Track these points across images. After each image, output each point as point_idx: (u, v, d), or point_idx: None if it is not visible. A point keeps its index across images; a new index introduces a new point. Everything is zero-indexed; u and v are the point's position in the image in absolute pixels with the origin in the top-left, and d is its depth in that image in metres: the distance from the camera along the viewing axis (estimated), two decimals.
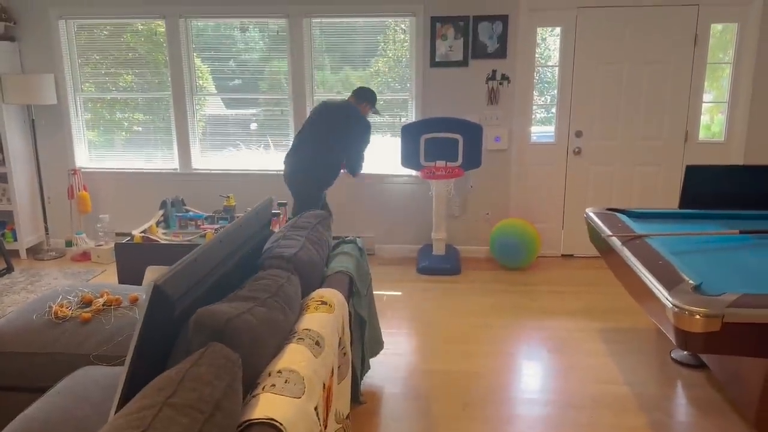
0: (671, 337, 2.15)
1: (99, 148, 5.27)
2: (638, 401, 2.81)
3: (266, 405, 1.46)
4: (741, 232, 2.86)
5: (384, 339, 3.35)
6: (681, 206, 3.29)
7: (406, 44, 4.82)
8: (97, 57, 5.08)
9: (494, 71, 4.68)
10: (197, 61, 5.01)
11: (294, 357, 1.69)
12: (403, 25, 4.80)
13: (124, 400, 1.55)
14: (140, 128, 5.18)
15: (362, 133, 4.28)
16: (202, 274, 1.78)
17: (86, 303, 2.72)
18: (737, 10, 4.50)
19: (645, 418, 2.67)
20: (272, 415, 1.42)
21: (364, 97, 4.30)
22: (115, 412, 1.53)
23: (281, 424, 1.41)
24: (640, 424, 2.63)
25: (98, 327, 2.54)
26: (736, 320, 2.00)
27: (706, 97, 4.70)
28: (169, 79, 4.99)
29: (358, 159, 4.32)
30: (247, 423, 1.41)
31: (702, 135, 4.76)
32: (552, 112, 4.84)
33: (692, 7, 4.51)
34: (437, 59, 4.69)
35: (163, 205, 4.32)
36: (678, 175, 4.79)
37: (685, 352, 3.19)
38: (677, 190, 4.81)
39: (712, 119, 4.85)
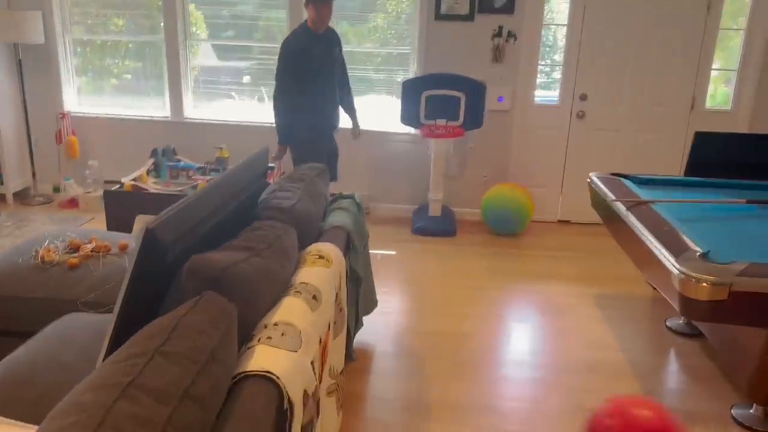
0: (675, 305, 2.11)
1: (89, 93, 5.09)
2: (632, 368, 2.80)
3: (262, 357, 1.40)
4: (748, 202, 2.80)
5: (378, 298, 3.30)
6: (686, 173, 3.22)
7: None
8: None
9: (501, 27, 4.53)
10: (191, 7, 4.81)
11: (291, 310, 1.62)
12: None
13: (113, 347, 1.48)
14: (130, 75, 5.00)
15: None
16: (196, 221, 1.69)
17: (74, 248, 2.63)
18: None
19: (638, 385, 2.66)
20: (269, 368, 1.36)
21: None
22: (104, 359, 1.47)
23: (278, 377, 1.36)
24: (633, 390, 2.62)
25: (86, 273, 2.46)
26: (744, 289, 1.96)
27: (714, 65, 4.59)
28: (162, 24, 4.79)
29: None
30: (242, 375, 1.35)
31: (708, 104, 4.67)
32: (551, 77, 4.72)
33: None
34: (442, 12, 4.53)
35: (154, 153, 4.19)
36: (682, 143, 4.71)
37: (681, 321, 3.17)
38: (680, 158, 4.74)
39: (716, 89, 4.75)
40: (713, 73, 4.63)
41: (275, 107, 3.84)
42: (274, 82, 3.83)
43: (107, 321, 2.10)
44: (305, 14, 3.80)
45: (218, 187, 1.87)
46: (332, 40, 3.93)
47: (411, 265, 3.97)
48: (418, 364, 2.78)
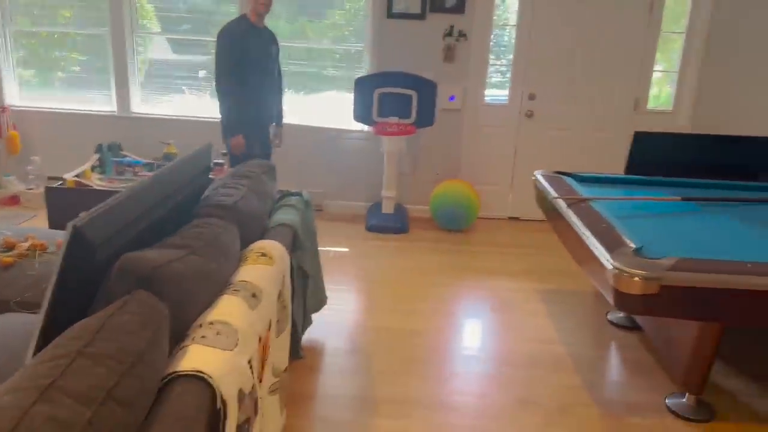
0: (610, 298, 2.18)
1: (31, 86, 4.92)
2: (574, 361, 2.88)
3: (194, 357, 1.38)
4: (683, 199, 2.91)
5: (328, 295, 3.29)
6: (626, 171, 3.32)
7: None
8: None
9: (452, 27, 4.58)
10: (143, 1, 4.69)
11: (227, 309, 1.61)
12: None
13: (40, 349, 1.44)
14: (78, 68, 4.85)
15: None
16: (130, 219, 1.66)
17: (8, 247, 2.55)
18: None
19: (579, 378, 2.74)
20: (200, 367, 1.35)
21: None
22: None
23: (209, 376, 1.34)
24: (575, 382, 2.69)
25: (21, 272, 2.38)
26: (674, 283, 2.03)
27: (656, 67, 4.74)
28: (108, 15, 4.66)
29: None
30: (173, 375, 1.33)
31: (651, 104, 4.82)
32: (506, 77, 4.80)
33: None
34: (394, 10, 4.55)
35: (99, 149, 4.09)
36: (625, 142, 4.85)
37: (621, 315, 3.27)
38: (625, 157, 4.88)
39: (660, 91, 4.91)
40: (658, 75, 4.79)
41: (221, 99, 3.72)
42: (214, 74, 3.74)
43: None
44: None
45: (154, 184, 1.84)
46: (270, 38, 3.89)
47: (364, 262, 3.98)
48: (368, 361, 2.79)
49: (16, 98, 4.91)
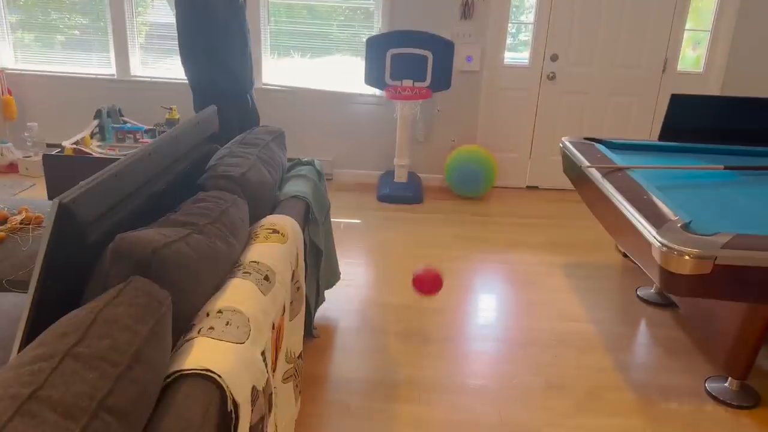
0: (654, 278, 1.99)
1: (28, 49, 4.68)
2: (603, 340, 2.71)
3: (202, 353, 1.21)
4: (726, 168, 2.69)
5: (341, 270, 3.12)
6: (661, 138, 3.09)
7: None
8: None
9: None
10: None
11: (238, 294, 1.43)
12: None
13: (29, 337, 1.27)
14: (78, 30, 4.60)
15: None
16: (126, 193, 1.47)
17: (1, 220, 2.37)
18: None
19: (610, 358, 2.57)
20: (209, 365, 1.17)
21: None
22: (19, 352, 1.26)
23: (219, 375, 1.17)
24: (606, 364, 2.53)
25: (14, 248, 2.21)
26: (729, 263, 1.84)
27: (687, 26, 4.45)
28: None
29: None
30: (177, 374, 1.16)
31: (680, 66, 4.55)
32: (522, 39, 4.52)
33: None
34: None
35: (98, 114, 3.88)
36: (652, 107, 4.60)
37: (652, 290, 3.09)
38: (651, 122, 4.64)
39: (683, 52, 4.62)
40: (687, 35, 4.50)
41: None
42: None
43: None
44: None
45: (153, 153, 1.64)
46: None
47: (376, 234, 3.79)
48: (384, 341, 2.63)
49: (10, 61, 4.68)
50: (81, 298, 1.37)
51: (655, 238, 1.94)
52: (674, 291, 1.95)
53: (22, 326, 1.27)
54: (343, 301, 2.94)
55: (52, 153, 3.51)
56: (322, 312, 2.81)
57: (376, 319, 2.79)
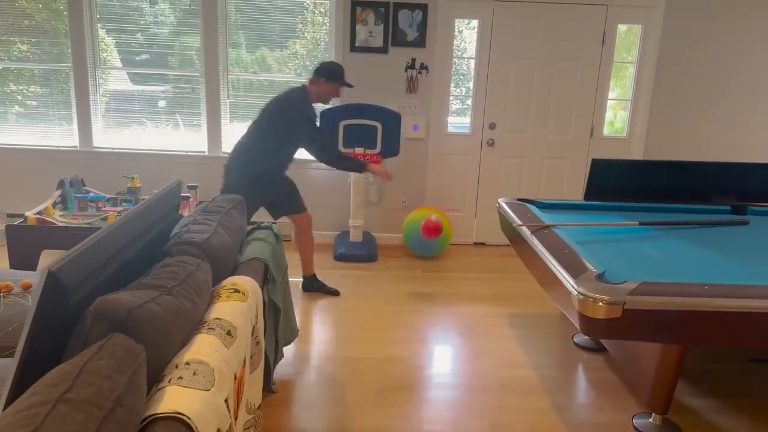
0: (576, 322, 2.26)
1: None
2: (543, 384, 2.94)
3: (173, 398, 1.38)
4: (641, 224, 3.03)
5: (298, 326, 3.30)
6: (586, 198, 3.45)
7: (324, 27, 4.74)
8: None
9: (413, 60, 4.70)
10: (101, 33, 4.69)
11: (203, 347, 1.61)
12: (322, 8, 4.71)
13: (14, 396, 1.42)
14: (36, 102, 4.79)
15: (285, 120, 3.55)
16: (103, 260, 1.66)
17: None
18: (642, 12, 4.77)
19: (548, 400, 2.79)
20: (179, 409, 1.35)
21: (318, 72, 3.58)
22: (3, 410, 1.40)
23: (189, 417, 1.35)
24: (544, 405, 2.75)
25: None
26: (636, 307, 2.12)
27: (611, 94, 4.96)
28: (69, 50, 4.64)
29: (309, 146, 3.57)
30: (151, 417, 1.33)
31: (606, 131, 5.02)
32: (468, 104, 4.94)
33: (601, 7, 4.72)
34: (357, 44, 4.65)
35: (61, 185, 4.02)
36: (583, 169, 5.03)
37: (586, 337, 3.36)
38: (582, 182, 5.06)
39: (615, 116, 5.13)
40: (613, 102, 5.00)
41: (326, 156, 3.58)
42: (260, 137, 3.57)
43: (7, 366, 1.99)
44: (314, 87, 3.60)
45: (127, 224, 1.84)
46: None
47: (318, 292, 3.99)
48: (341, 392, 2.79)
49: None
50: (61, 356, 1.53)
51: (573, 287, 2.21)
52: (593, 334, 2.21)
53: (10, 381, 1.42)
54: (302, 356, 3.10)
55: (15, 224, 3.62)
56: (281, 368, 2.96)
57: (332, 372, 2.96)
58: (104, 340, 1.37)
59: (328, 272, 4.35)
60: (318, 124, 3.66)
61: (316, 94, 3.60)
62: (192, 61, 4.76)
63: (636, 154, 5.00)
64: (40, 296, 1.36)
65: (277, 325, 2.66)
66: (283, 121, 3.54)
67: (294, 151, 3.67)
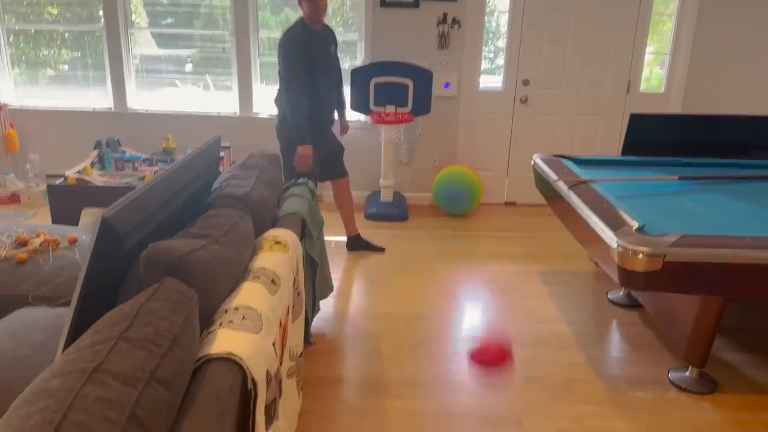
0: (614, 276, 2.25)
1: (25, 84, 4.91)
2: (577, 339, 2.95)
3: (224, 340, 1.43)
4: (680, 179, 2.98)
5: (333, 283, 3.35)
6: (623, 153, 3.39)
7: None
8: None
9: (445, 14, 4.61)
10: None
11: (251, 294, 1.66)
12: None
13: (72, 338, 1.49)
14: (67, 65, 4.84)
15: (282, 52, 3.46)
16: (151, 210, 1.70)
17: (21, 243, 2.57)
18: None
19: (583, 355, 2.81)
20: (231, 350, 1.40)
21: None
22: (63, 351, 1.47)
23: (240, 358, 1.39)
24: (579, 359, 2.77)
25: (36, 268, 2.41)
26: (676, 259, 2.10)
27: (647, 50, 4.81)
28: (101, 12, 4.66)
29: (287, 82, 3.47)
30: (205, 358, 1.38)
31: (642, 87, 4.89)
32: (496, 63, 4.84)
33: None
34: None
35: (98, 145, 4.10)
36: (618, 126, 4.93)
37: (621, 294, 3.35)
38: (617, 139, 4.96)
39: (651, 72, 4.98)
40: (650, 57, 4.85)
41: (290, 105, 3.46)
42: (280, 79, 3.51)
43: (61, 315, 2.07)
44: (299, 11, 3.52)
45: (171, 176, 1.88)
46: (328, 38, 3.63)
47: (365, 250, 4.03)
48: (375, 345, 2.85)
49: (11, 97, 4.90)
50: (114, 302, 1.59)
51: (612, 239, 2.20)
52: (631, 286, 2.20)
53: (68, 324, 1.48)
54: (337, 310, 3.16)
55: (56, 183, 3.72)
56: (317, 321, 3.03)
57: (368, 327, 3.01)
58: (158, 284, 1.42)
59: (360, 232, 4.37)
60: (310, 62, 3.48)
61: (307, 18, 3.46)
62: (217, 22, 4.73)
63: (674, 109, 4.87)
64: (95, 241, 1.41)
65: (314, 279, 2.70)
66: (280, 54, 3.47)
67: (317, 87, 3.54)
